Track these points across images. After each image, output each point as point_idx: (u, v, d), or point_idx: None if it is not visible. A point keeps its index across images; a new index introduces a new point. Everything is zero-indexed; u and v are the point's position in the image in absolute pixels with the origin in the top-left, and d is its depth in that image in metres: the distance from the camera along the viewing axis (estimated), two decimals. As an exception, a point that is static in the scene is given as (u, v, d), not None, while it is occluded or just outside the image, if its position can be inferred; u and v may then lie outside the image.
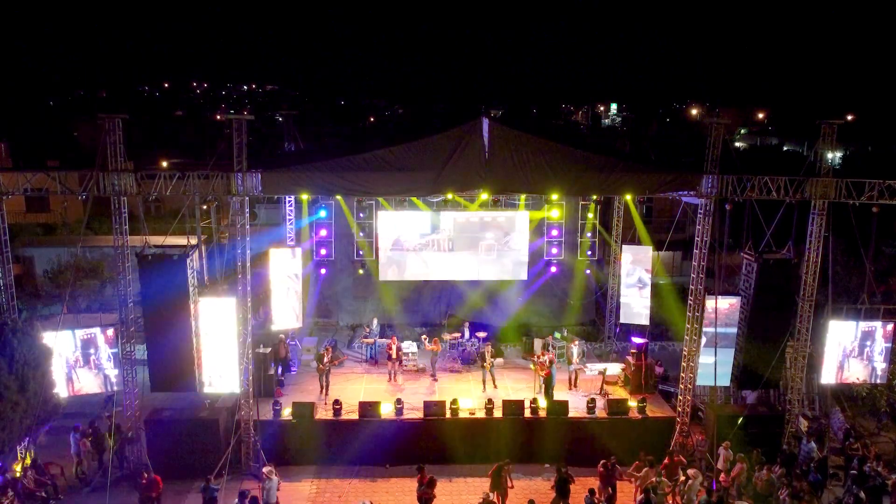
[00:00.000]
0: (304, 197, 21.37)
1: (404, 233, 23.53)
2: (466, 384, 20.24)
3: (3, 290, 16.56)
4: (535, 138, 17.13)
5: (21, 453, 16.34)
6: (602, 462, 15.73)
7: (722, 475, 16.31)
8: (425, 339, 21.39)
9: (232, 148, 15.96)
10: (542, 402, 18.25)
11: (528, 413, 17.90)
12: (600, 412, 18.13)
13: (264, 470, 15.50)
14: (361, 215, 23.39)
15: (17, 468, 16.09)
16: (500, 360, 20.66)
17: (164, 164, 47.53)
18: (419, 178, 16.97)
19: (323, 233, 23.18)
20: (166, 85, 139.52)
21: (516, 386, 20.05)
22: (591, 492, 14.72)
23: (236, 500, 14.34)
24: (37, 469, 16.01)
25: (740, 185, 16.76)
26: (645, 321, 21.68)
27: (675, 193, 18.13)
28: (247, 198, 16.47)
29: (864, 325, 18.05)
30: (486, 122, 16.84)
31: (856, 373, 18.38)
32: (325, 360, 19.26)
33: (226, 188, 16.20)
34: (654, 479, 15.23)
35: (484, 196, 20.09)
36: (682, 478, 15.67)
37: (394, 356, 20.24)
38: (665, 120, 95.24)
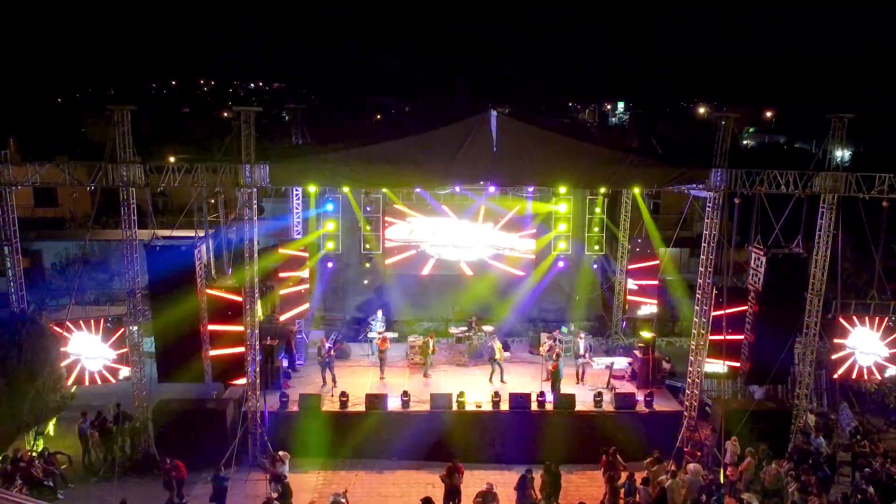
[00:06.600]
0: (312, 190, 21.34)
1: (411, 226, 23.53)
2: (473, 377, 20.26)
3: (12, 281, 16.65)
4: (544, 131, 17.16)
5: (29, 442, 16.42)
6: (605, 451, 15.85)
7: (729, 469, 16.29)
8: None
9: (240, 140, 16.01)
10: (549, 396, 18.25)
11: (534, 406, 17.91)
12: (607, 406, 18.12)
13: (280, 454, 15.86)
14: (369, 209, 23.38)
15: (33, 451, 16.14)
16: (506, 354, 20.65)
17: (172, 159, 47.61)
18: (428, 170, 17.00)
19: (330, 226, 23.16)
20: (174, 82, 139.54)
21: (522, 380, 20.02)
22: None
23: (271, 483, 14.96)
24: (45, 458, 16.09)
25: (749, 179, 16.67)
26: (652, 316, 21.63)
27: (684, 187, 18.07)
28: (254, 189, 16.51)
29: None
30: (494, 115, 16.84)
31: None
32: (323, 351, 19.31)
33: (234, 180, 16.26)
34: (665, 476, 15.23)
35: (492, 188, 20.03)
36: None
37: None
38: (672, 119, 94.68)
